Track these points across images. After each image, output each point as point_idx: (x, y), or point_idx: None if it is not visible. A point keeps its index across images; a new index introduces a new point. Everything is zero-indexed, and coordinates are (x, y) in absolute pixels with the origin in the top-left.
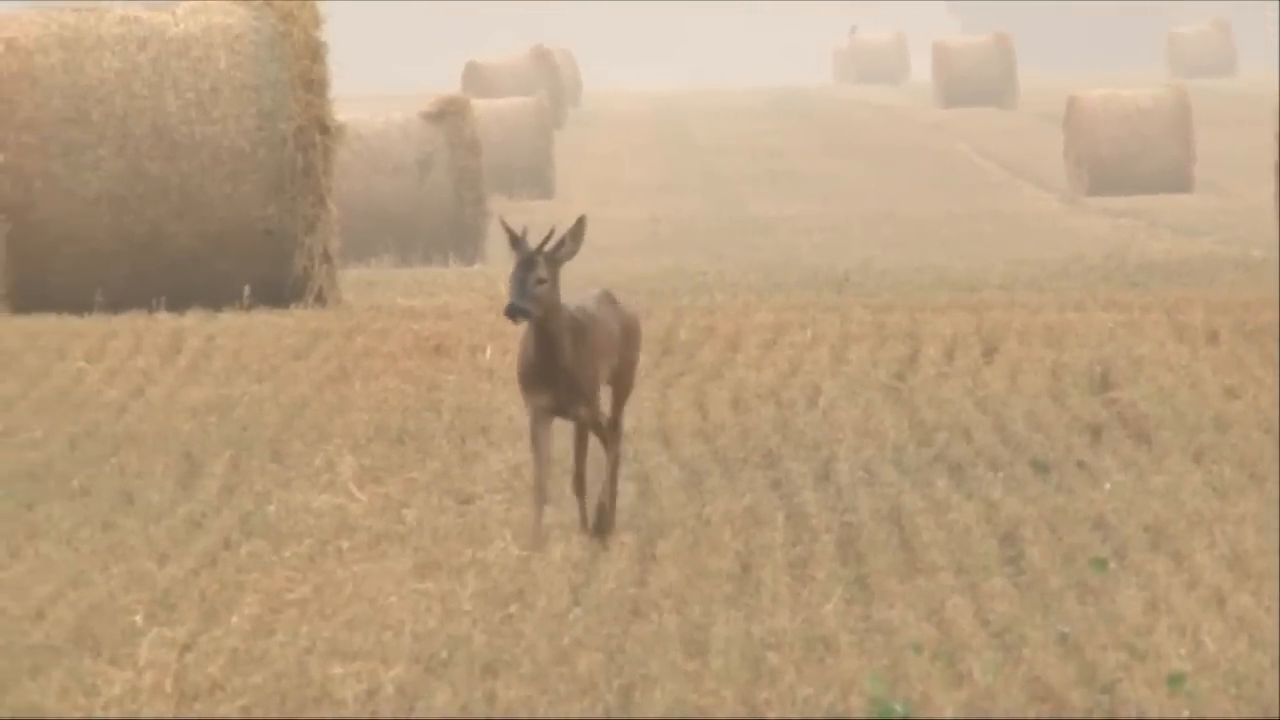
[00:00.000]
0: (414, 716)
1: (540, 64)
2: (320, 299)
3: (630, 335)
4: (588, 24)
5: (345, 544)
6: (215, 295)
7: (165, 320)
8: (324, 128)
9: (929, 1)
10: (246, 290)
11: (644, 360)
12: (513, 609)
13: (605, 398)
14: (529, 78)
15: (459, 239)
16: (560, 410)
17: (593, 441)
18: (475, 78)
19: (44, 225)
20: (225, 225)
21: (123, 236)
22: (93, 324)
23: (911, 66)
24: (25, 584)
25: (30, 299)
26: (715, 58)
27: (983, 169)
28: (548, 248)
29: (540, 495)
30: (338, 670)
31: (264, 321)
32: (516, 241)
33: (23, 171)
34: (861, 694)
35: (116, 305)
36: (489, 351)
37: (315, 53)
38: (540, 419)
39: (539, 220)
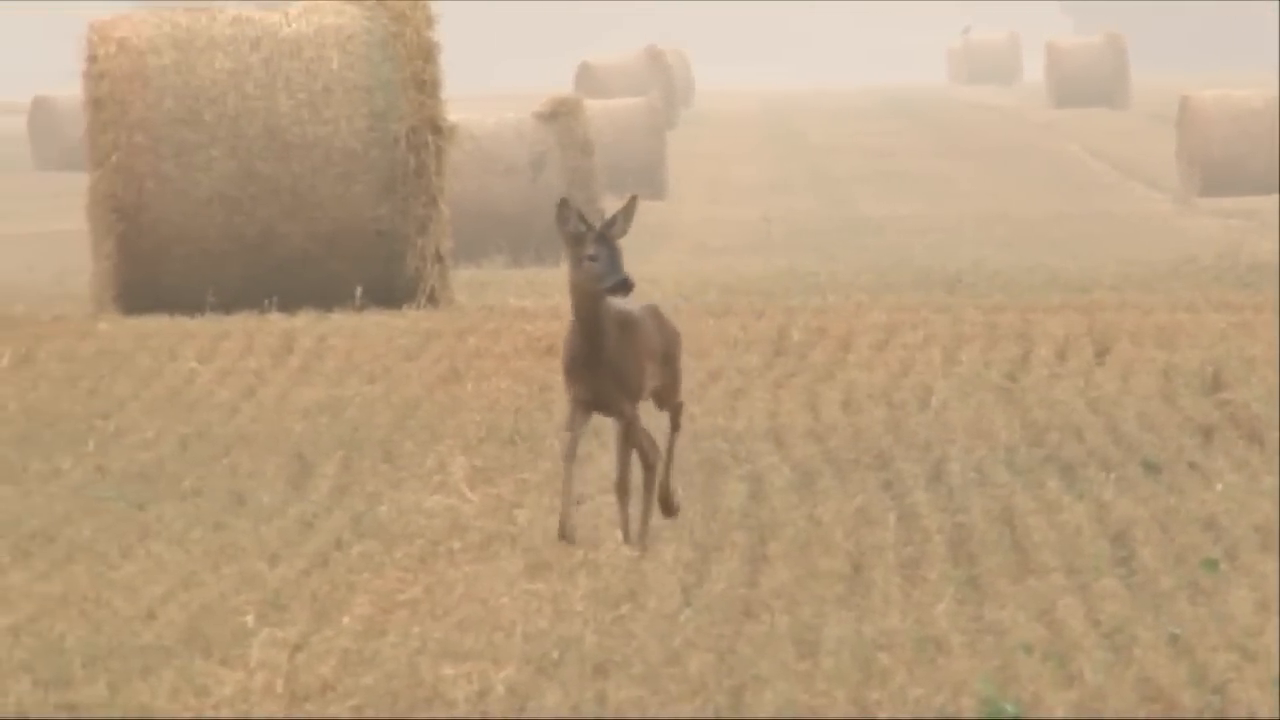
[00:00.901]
0: (525, 717)
1: (653, 64)
2: (432, 299)
3: (672, 349)
4: (700, 24)
5: (457, 544)
6: (327, 296)
7: (277, 321)
8: (436, 128)
9: (1042, 1)
10: (359, 291)
11: (756, 361)
12: (624, 609)
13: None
14: (641, 78)
15: None
16: (601, 406)
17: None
18: (588, 78)
19: (156, 226)
20: (337, 226)
21: (234, 237)
22: (205, 325)
23: (1024, 67)
24: (137, 584)
25: (142, 300)
26: (826, 57)
27: (1094, 170)
28: (610, 229)
29: (569, 485)
30: (449, 671)
31: (376, 322)
32: (568, 219)
33: (135, 172)
34: (972, 694)
35: (228, 306)
36: None
37: (428, 53)
38: (577, 411)
39: (648, 221)
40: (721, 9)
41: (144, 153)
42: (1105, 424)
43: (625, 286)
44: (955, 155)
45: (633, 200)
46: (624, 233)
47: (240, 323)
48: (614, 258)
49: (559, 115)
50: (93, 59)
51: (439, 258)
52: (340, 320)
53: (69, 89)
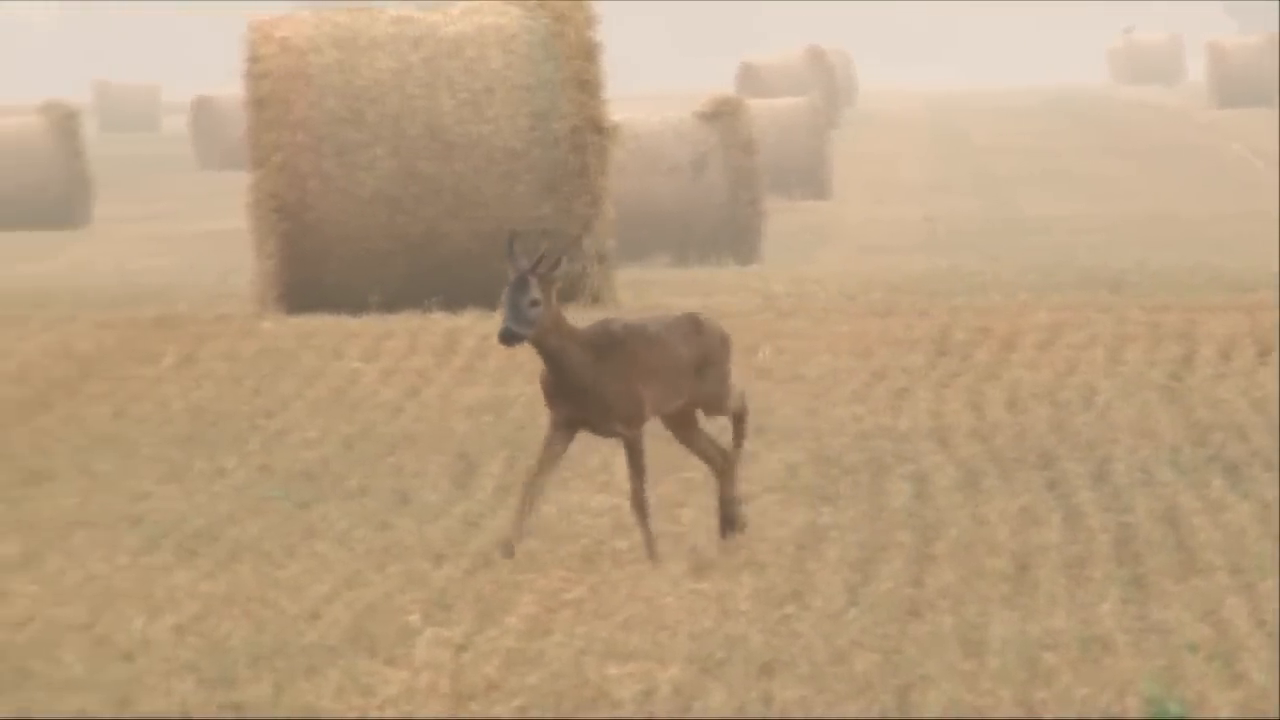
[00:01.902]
0: (690, 717)
1: (815, 64)
2: (596, 299)
3: (712, 358)
4: (862, 24)
5: (621, 544)
6: (490, 295)
7: (440, 320)
8: (598, 128)
9: (1205, 1)
10: None
11: (919, 360)
12: (789, 609)
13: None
14: (803, 78)
15: (734, 239)
16: (590, 426)
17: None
18: (750, 78)
19: (319, 225)
20: (500, 225)
21: (397, 236)
22: (368, 324)
23: (1187, 67)
24: (302, 584)
25: (306, 299)
26: (988, 57)
27: (1256, 169)
28: (541, 267)
29: (524, 500)
30: (613, 670)
31: None
32: (511, 258)
33: (298, 172)
34: (1137, 694)
35: (391, 305)
36: (764, 351)
37: (589, 53)
38: (555, 428)
39: (811, 221)
40: (884, 9)
41: (306, 152)
42: (1269, 423)
43: (501, 337)
44: (1118, 155)
45: (575, 239)
46: (567, 274)
47: (404, 322)
48: (515, 303)
49: (721, 115)
50: (254, 59)
51: (602, 257)
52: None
53: (231, 89)
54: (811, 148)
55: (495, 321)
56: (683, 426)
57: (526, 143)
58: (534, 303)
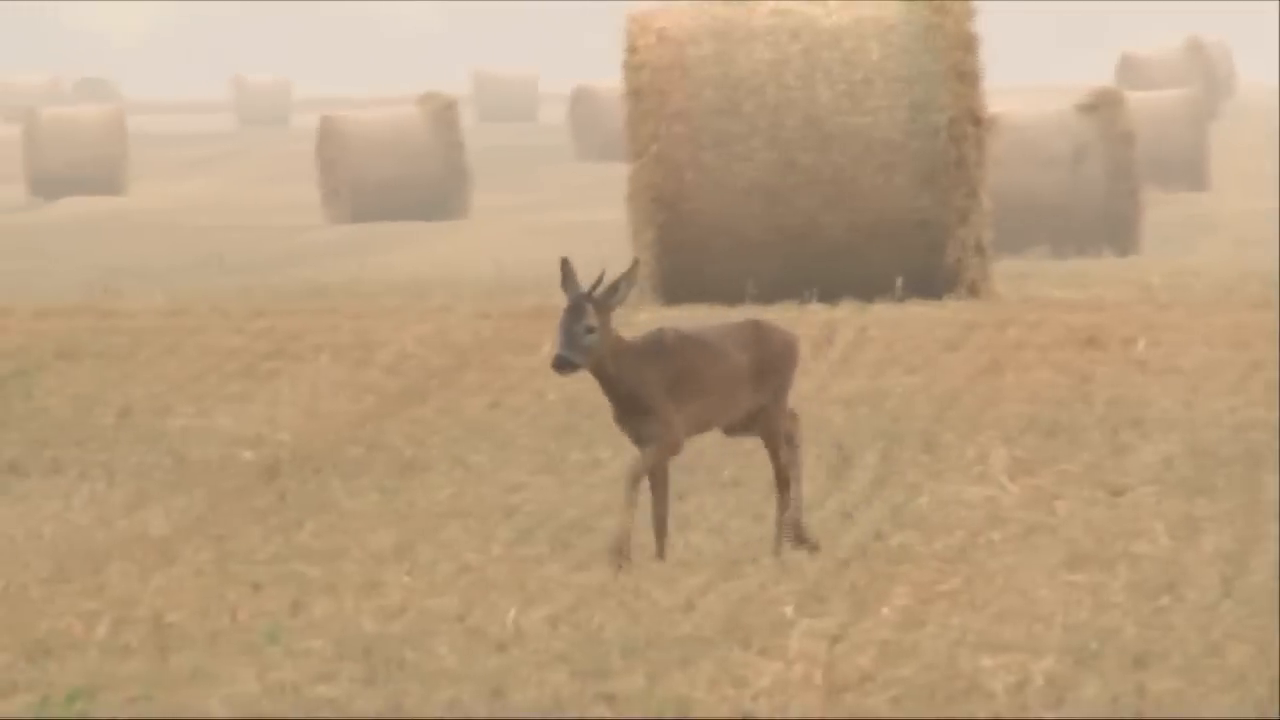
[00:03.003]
0: (1063, 709)
1: (1194, 56)
2: (973, 291)
3: (770, 365)
4: (1242, 16)
5: (996, 536)
6: (867, 287)
7: (817, 311)
8: (976, 119)
9: None
10: (899, 282)
11: None
12: (1164, 601)
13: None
14: (1182, 70)
15: (1112, 231)
16: (634, 434)
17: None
18: (1129, 70)
19: (696, 217)
20: (878, 217)
21: (775, 228)
22: (744, 315)
23: None
24: (675, 575)
25: (682, 290)
26: None
27: None
28: (598, 292)
29: (656, 513)
30: (987, 662)
31: (916, 313)
32: (567, 281)
33: (675, 163)
34: None
35: (768, 296)
36: (1142, 344)
37: (968, 44)
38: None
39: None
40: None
41: (684, 143)
42: None
43: (557, 366)
44: None
45: (635, 265)
46: (624, 299)
47: (780, 313)
48: (569, 329)
49: (1100, 107)
50: (633, 50)
51: (980, 249)
52: (881, 311)
53: (610, 80)
54: (1190, 140)
55: (872, 314)
56: (763, 431)
57: (905, 134)
58: (589, 329)
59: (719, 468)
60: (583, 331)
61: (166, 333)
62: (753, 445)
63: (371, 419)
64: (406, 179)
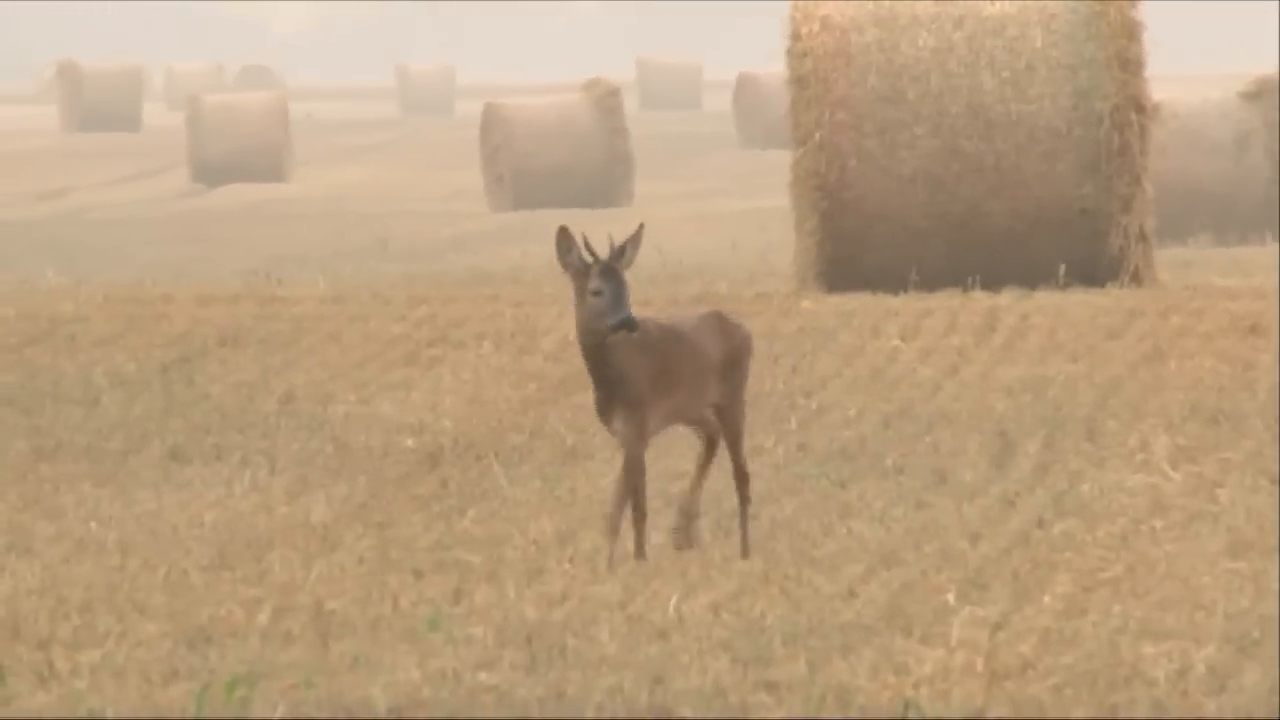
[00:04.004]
0: (1224, 697)
1: None
2: (1136, 278)
3: (734, 357)
4: None
5: (1158, 523)
6: (1030, 274)
7: (980, 299)
8: (1139, 107)
9: None
10: (1062, 269)
11: None
12: None
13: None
14: None
15: (1276, 218)
16: (606, 420)
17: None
18: None
19: (859, 204)
20: (1041, 204)
21: (938, 215)
22: (907, 302)
23: None
24: (838, 562)
25: (845, 277)
26: None
27: None
28: (608, 257)
29: (633, 511)
30: (1149, 650)
31: (1079, 300)
32: (569, 249)
33: (839, 150)
34: None
35: (931, 283)
36: None
37: (1131, 32)
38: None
39: None
40: None
41: (847, 130)
42: None
43: (629, 325)
44: None
45: (640, 229)
46: (631, 263)
47: (943, 300)
48: (619, 293)
49: (1263, 94)
50: (796, 37)
51: (1143, 236)
52: (1043, 298)
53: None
54: None
55: (1034, 302)
56: (726, 429)
57: (1068, 121)
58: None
59: (881, 455)
60: (627, 293)
61: (329, 320)
62: (917, 431)
63: (533, 406)
64: (569, 166)
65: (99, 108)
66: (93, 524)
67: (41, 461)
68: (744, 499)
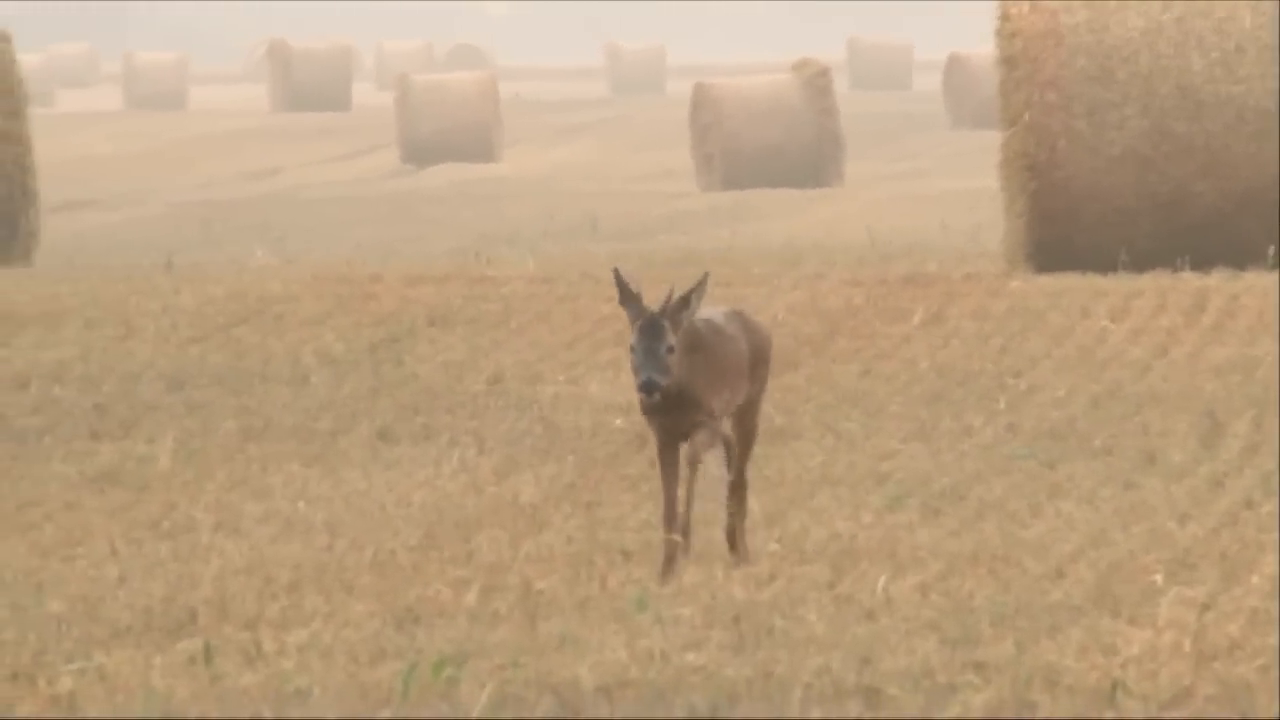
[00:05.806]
0: None
1: None
2: None
3: (759, 354)
4: None
5: None
6: (1239, 254)
7: (1189, 279)
8: None
9: None
10: (1271, 250)
11: None
12: None
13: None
14: None
15: None
16: (681, 433)
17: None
18: None
19: (1068, 184)
20: (1250, 185)
21: (1147, 195)
22: (1117, 283)
23: None
24: (1046, 543)
25: (1055, 258)
26: None
27: None
28: (670, 307)
29: (671, 520)
30: None
31: None
32: (629, 298)
33: (1048, 130)
34: None
35: (1140, 264)
36: None
37: None
38: (663, 447)
39: None
40: None
41: (1056, 111)
42: None
43: (646, 389)
44: None
45: (704, 278)
46: (693, 313)
47: (1152, 281)
48: (651, 351)
49: None
50: (1006, 17)
51: None
52: (1252, 279)
53: (983, 47)
54: None
55: (1243, 282)
56: (741, 429)
57: (1277, 102)
58: (670, 349)
59: (1090, 435)
60: (664, 351)
61: (538, 300)
62: (1126, 412)
63: None
64: (779, 146)
65: (308, 88)
66: (301, 504)
67: (250, 441)
68: (737, 512)
